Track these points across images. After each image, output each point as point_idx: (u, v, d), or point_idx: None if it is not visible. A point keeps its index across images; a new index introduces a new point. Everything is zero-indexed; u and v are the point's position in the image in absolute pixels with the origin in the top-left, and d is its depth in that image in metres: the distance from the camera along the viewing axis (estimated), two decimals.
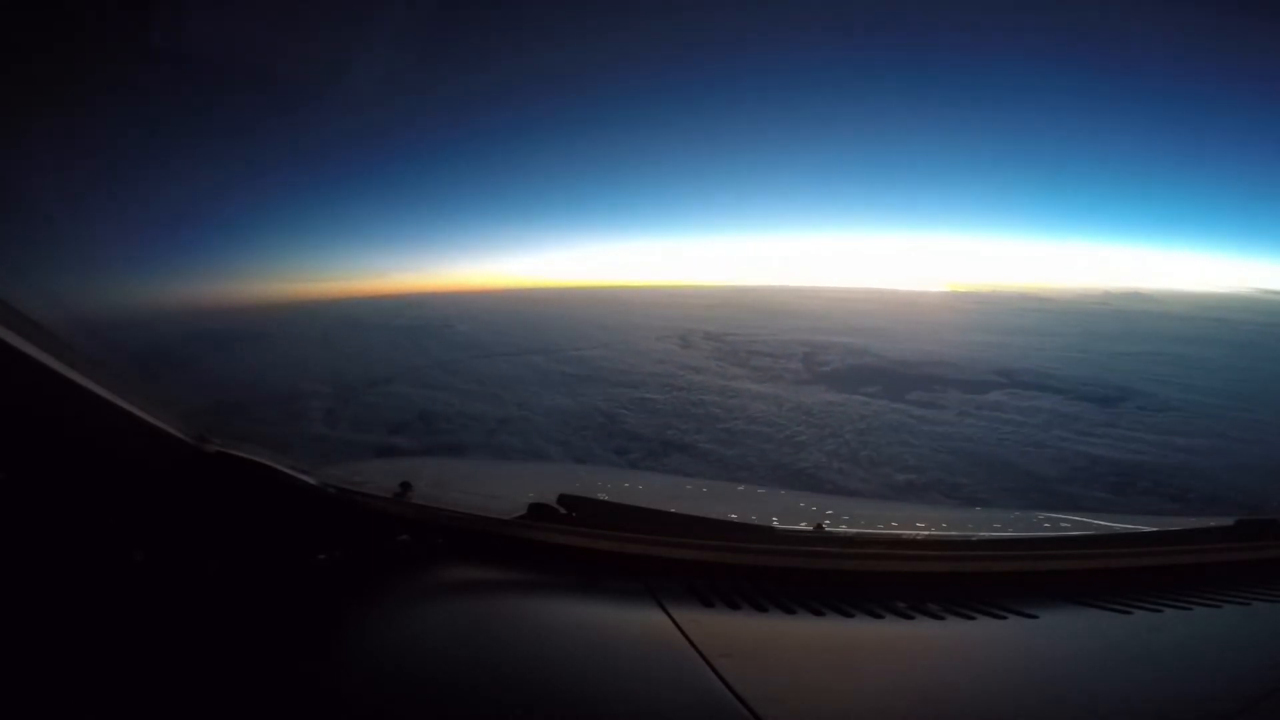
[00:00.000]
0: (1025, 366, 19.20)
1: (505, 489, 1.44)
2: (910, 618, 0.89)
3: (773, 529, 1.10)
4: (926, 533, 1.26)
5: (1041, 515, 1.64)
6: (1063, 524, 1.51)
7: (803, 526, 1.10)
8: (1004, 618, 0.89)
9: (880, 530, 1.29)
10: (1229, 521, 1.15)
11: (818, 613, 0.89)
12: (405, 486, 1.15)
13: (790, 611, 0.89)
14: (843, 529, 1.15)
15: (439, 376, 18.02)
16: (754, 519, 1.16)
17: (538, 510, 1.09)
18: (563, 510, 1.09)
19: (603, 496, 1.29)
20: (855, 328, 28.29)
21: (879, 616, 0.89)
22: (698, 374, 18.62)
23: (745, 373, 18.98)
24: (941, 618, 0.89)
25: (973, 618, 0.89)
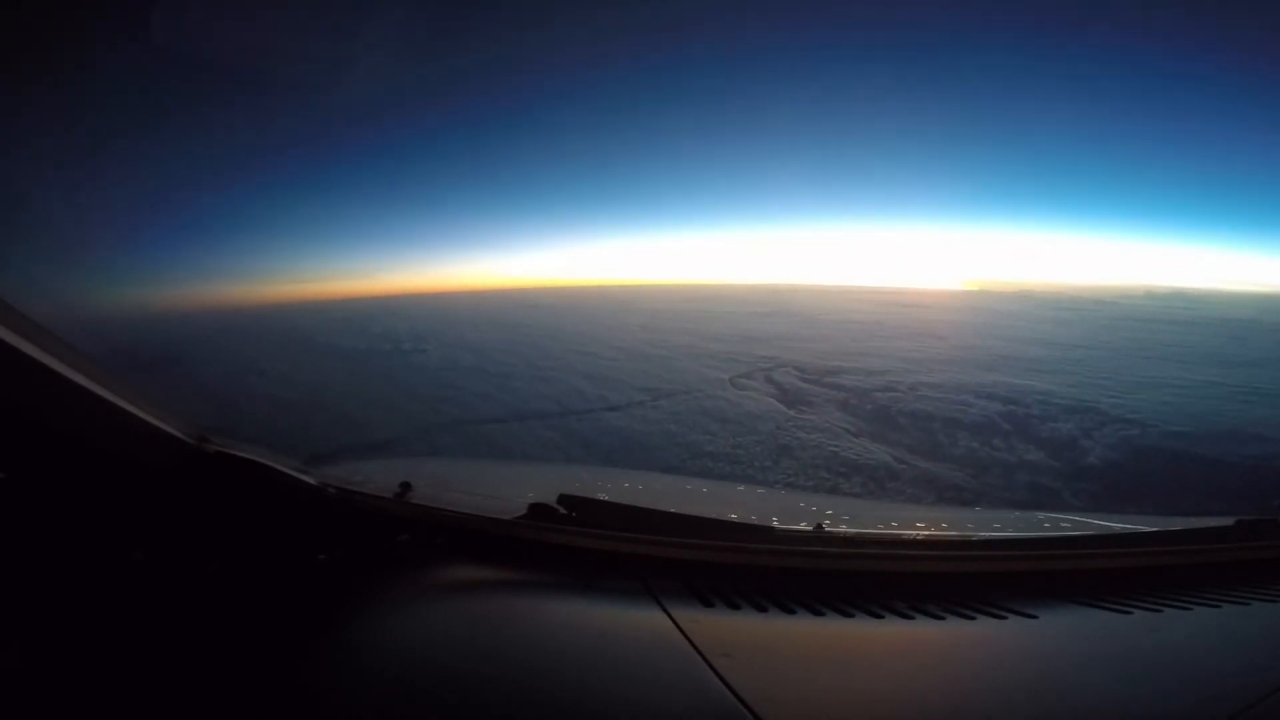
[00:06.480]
0: None
1: (505, 489, 1.44)
2: (910, 618, 0.89)
3: (773, 529, 1.10)
4: (926, 533, 1.26)
5: (1041, 515, 1.65)
6: (1063, 524, 1.52)
7: (803, 526, 1.10)
8: (1004, 618, 0.89)
9: (880, 530, 1.29)
10: (1228, 521, 1.16)
11: (818, 613, 0.89)
12: (405, 486, 1.15)
13: (790, 611, 0.89)
14: (843, 529, 1.15)
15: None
16: (754, 519, 1.16)
17: (538, 510, 1.09)
18: (563, 510, 1.09)
19: (603, 496, 1.29)
20: (991, 355, 20.30)
21: (879, 616, 0.89)
22: (882, 483, 10.24)
23: (966, 479, 10.55)
24: (941, 618, 0.89)
25: (973, 618, 0.89)
